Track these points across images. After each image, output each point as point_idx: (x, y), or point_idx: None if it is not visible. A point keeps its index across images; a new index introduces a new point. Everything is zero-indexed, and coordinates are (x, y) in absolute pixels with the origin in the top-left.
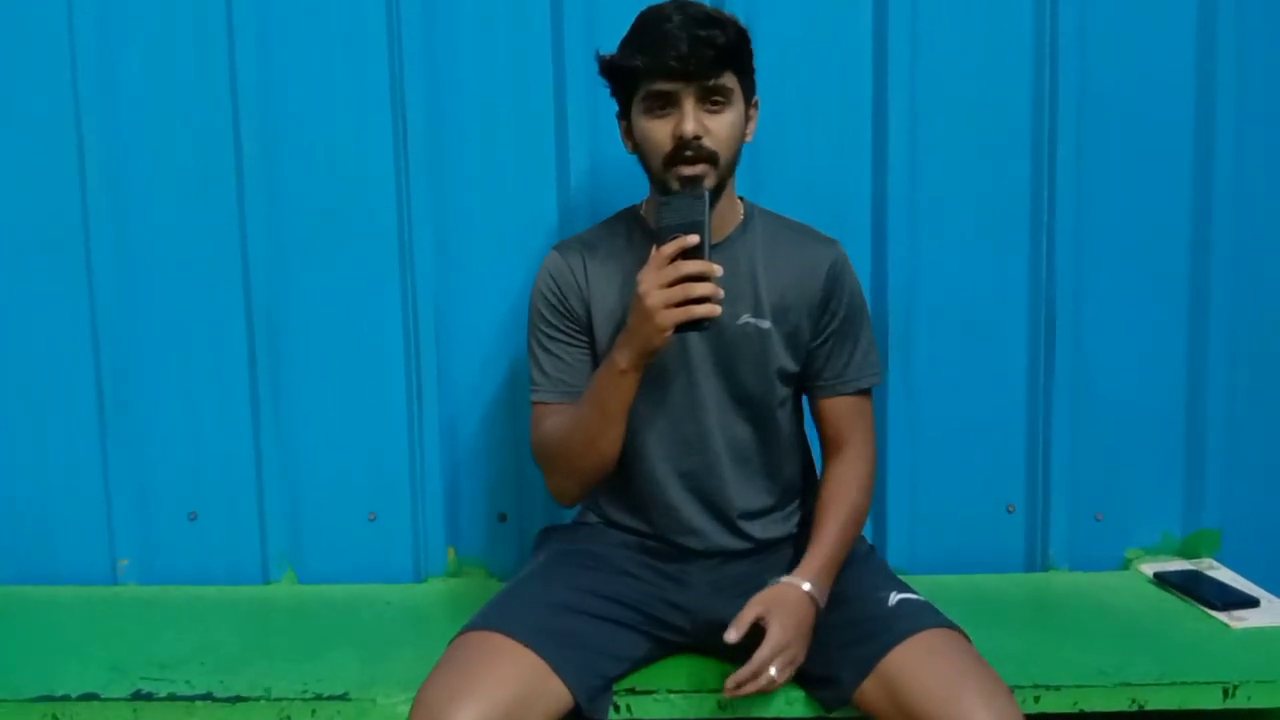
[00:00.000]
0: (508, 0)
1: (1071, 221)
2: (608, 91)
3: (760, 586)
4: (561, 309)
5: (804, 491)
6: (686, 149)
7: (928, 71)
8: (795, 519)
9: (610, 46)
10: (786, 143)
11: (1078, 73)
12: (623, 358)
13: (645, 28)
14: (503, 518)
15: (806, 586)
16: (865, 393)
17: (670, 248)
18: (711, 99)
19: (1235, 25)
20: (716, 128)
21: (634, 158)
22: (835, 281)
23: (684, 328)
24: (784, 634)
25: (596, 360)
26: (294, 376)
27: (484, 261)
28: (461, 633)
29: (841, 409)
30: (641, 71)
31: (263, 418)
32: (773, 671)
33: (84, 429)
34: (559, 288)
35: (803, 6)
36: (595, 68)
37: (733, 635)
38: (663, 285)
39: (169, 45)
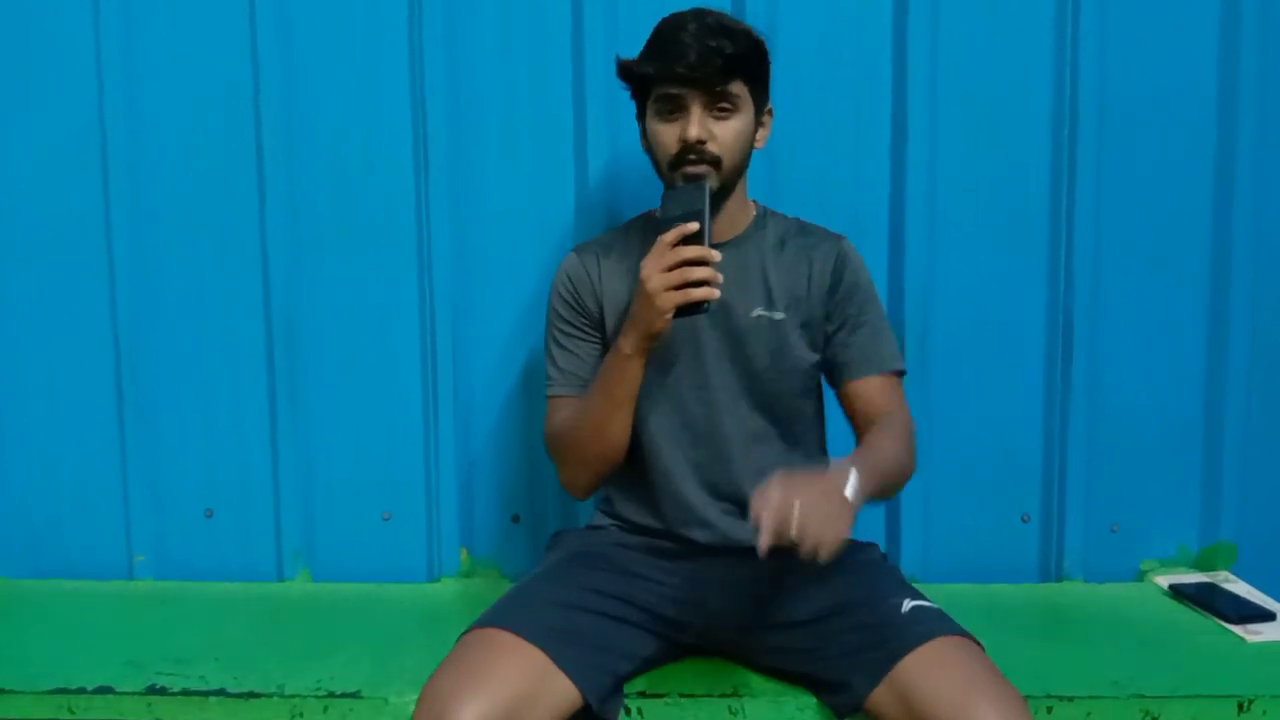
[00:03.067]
0: (528, 4)
1: (1090, 231)
2: (627, 94)
3: (769, 589)
4: (576, 306)
5: None
6: (691, 152)
7: (947, 79)
8: None
9: (629, 50)
10: (804, 149)
11: (1098, 80)
12: (627, 343)
13: (661, 35)
14: (516, 519)
15: (851, 478)
16: (894, 375)
17: (671, 235)
18: (719, 105)
19: (1259, 32)
20: (722, 133)
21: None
22: (841, 269)
23: (684, 311)
24: (794, 491)
25: None
26: (311, 376)
27: (501, 263)
28: (469, 629)
29: (873, 387)
30: (653, 76)
31: (279, 416)
32: (794, 530)
33: (102, 425)
34: (574, 286)
35: (822, 13)
36: (614, 71)
37: (756, 509)
38: (663, 270)
39: (192, 47)
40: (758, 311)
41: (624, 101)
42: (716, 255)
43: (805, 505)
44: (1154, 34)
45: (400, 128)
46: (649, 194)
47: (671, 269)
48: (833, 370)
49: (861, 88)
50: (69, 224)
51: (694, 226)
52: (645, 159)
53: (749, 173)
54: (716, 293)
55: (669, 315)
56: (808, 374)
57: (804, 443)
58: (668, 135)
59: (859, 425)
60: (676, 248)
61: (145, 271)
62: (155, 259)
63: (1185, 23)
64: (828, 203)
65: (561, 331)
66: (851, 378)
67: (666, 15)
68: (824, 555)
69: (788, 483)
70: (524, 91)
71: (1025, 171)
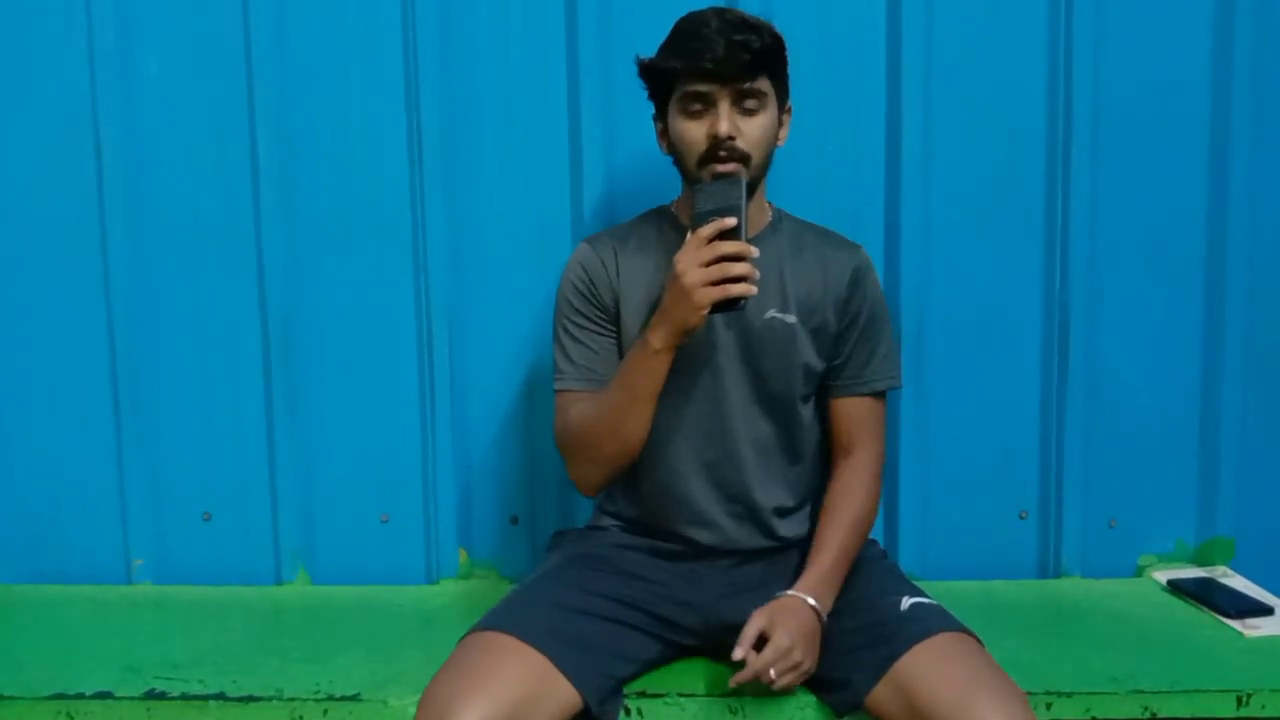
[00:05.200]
0: (522, 4)
1: (1086, 227)
2: (622, 95)
3: (772, 590)
4: (591, 299)
5: (822, 492)
6: (720, 149)
7: (942, 77)
8: (813, 520)
9: (625, 51)
10: (801, 148)
11: (1092, 78)
12: (657, 338)
13: (683, 31)
14: (514, 520)
15: (810, 600)
16: (880, 396)
17: (708, 229)
18: (746, 102)
19: (1252, 29)
20: (750, 129)
21: (649, 162)
22: (858, 284)
23: (719, 307)
24: (788, 639)
25: (622, 353)
26: (308, 378)
27: (498, 264)
28: (470, 632)
29: (855, 410)
30: (679, 73)
31: (277, 419)
32: (772, 674)
33: (99, 429)
34: (589, 278)
35: (816, 12)
36: (609, 72)
37: (739, 653)
38: (700, 264)
39: (186, 47)
40: (771, 313)
41: (620, 102)
42: (755, 251)
43: (781, 652)
44: (1148, 31)
45: (395, 129)
46: (645, 194)
47: (709, 264)
48: (825, 379)
49: (857, 86)
50: (64, 226)
51: (731, 221)
52: (640, 159)
53: None
54: (754, 289)
55: (705, 311)
56: (811, 379)
57: (804, 445)
58: (695, 132)
59: (834, 446)
60: (714, 242)
61: (141, 275)
62: (151, 263)
63: (1179, 20)
64: (825, 201)
65: (574, 324)
66: (840, 395)
67: (686, 13)
68: (783, 685)
69: (774, 622)
70: (519, 92)
71: (1020, 168)
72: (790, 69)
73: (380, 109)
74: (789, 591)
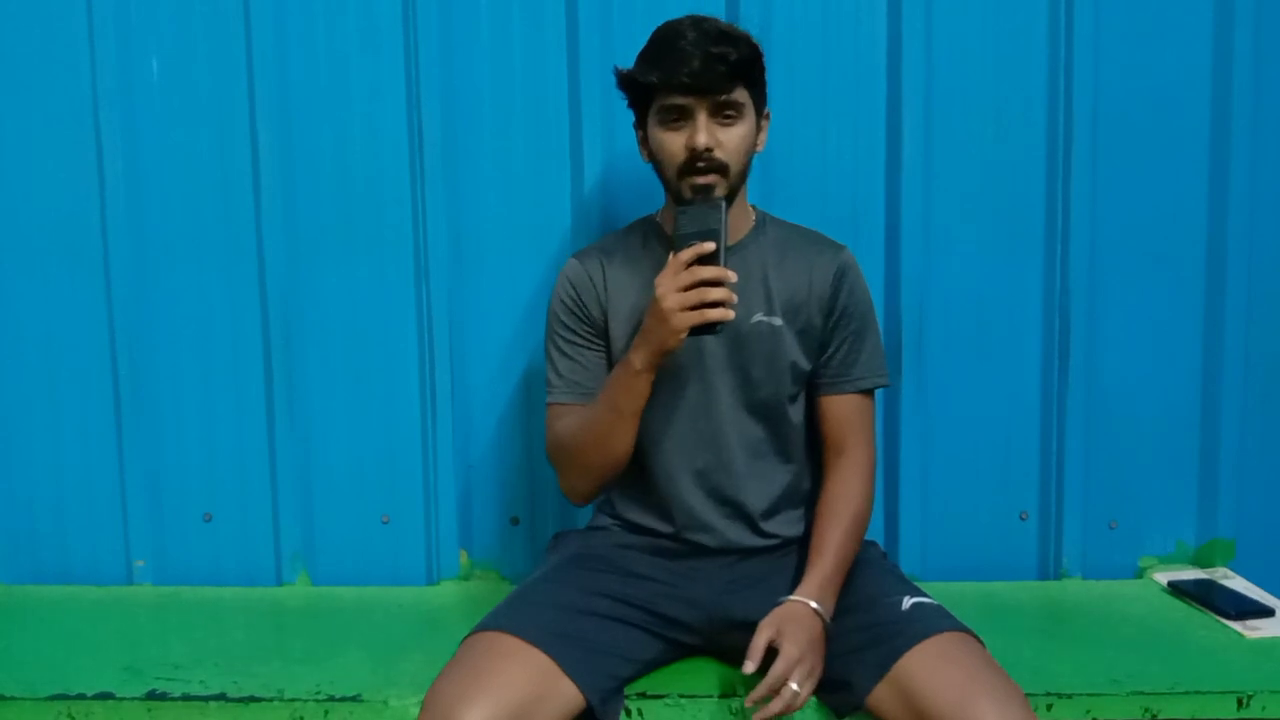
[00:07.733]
0: (523, 7)
1: (1086, 229)
2: (622, 99)
3: (772, 586)
4: (579, 314)
5: (815, 491)
6: (699, 160)
7: (942, 80)
8: (807, 518)
9: (625, 53)
10: (800, 151)
11: (1092, 80)
12: (638, 358)
13: (661, 43)
14: (515, 521)
15: (813, 604)
16: (869, 394)
17: (687, 254)
18: (724, 113)
19: (1252, 32)
20: (728, 140)
21: (649, 166)
22: (842, 281)
23: (698, 330)
24: (797, 649)
25: (612, 364)
26: (309, 379)
27: (498, 266)
28: (472, 633)
29: (844, 408)
30: (656, 86)
31: (278, 420)
32: (794, 685)
33: (100, 430)
34: (578, 294)
35: (817, 15)
36: (610, 74)
37: (750, 666)
38: (679, 289)
39: (187, 48)
40: (757, 317)
41: (619, 104)
42: (733, 276)
43: (794, 662)
44: (1148, 34)
45: (396, 131)
46: (645, 197)
47: (688, 289)
48: (812, 376)
49: (857, 86)
50: (66, 227)
51: (710, 247)
52: (640, 162)
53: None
54: (732, 314)
55: (683, 335)
56: (799, 379)
57: (794, 445)
58: (674, 144)
59: (825, 446)
60: (693, 267)
61: (142, 275)
62: (152, 263)
63: (1179, 23)
64: (825, 202)
65: (563, 339)
66: (828, 393)
67: (663, 22)
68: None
69: (782, 631)
70: (519, 95)
71: (1020, 168)
72: (791, 70)
73: (381, 109)
74: (792, 597)
